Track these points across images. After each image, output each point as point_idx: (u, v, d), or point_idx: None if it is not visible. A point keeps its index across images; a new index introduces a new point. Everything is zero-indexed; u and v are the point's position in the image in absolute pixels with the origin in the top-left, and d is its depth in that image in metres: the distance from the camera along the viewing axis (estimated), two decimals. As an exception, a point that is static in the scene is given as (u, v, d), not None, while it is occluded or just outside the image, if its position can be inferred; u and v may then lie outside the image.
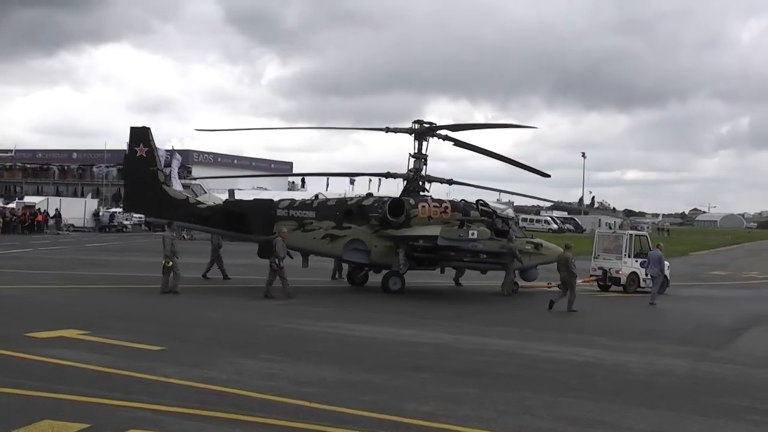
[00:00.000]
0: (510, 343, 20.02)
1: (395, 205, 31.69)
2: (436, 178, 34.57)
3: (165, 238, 28.88)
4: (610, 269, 35.48)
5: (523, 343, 20.07)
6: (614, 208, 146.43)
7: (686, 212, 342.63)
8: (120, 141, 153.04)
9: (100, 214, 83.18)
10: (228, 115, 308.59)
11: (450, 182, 35.56)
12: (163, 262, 28.20)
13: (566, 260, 28.47)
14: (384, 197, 33.23)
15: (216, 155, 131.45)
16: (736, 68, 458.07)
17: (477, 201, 34.92)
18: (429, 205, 32.34)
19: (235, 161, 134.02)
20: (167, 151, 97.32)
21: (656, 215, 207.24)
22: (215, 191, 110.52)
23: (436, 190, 35.35)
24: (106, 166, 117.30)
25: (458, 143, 34.84)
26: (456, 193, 41.50)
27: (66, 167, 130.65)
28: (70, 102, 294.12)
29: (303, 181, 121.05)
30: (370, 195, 34.01)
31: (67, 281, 30.77)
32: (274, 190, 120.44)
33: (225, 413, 11.57)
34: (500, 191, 41.18)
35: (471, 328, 22.69)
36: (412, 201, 32.14)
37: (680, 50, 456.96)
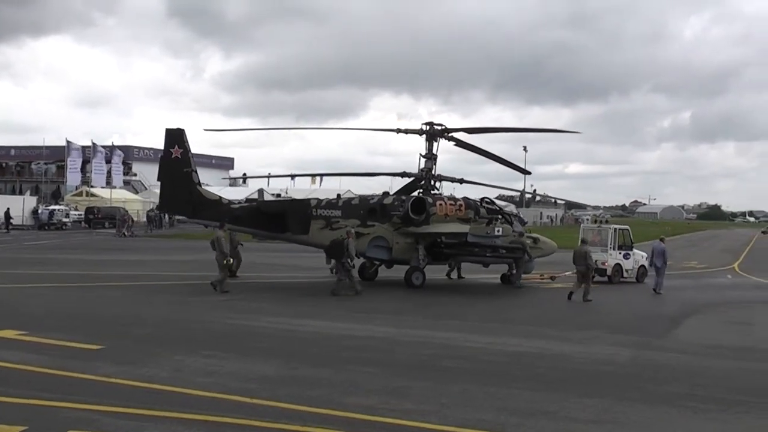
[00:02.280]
0: (455, 336, 20.06)
1: (417, 203, 32.73)
2: (447, 177, 35.71)
3: (219, 239, 28.87)
4: (596, 261, 36.03)
5: (468, 336, 20.16)
6: (555, 201, 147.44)
7: (627, 204, 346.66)
8: (60, 137, 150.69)
9: (39, 211, 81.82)
10: (170, 111, 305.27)
11: (461, 181, 36.71)
12: (224, 261, 28.64)
13: (584, 254, 30.16)
14: (403, 196, 34.10)
15: (157, 151, 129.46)
16: (678, 63, 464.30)
17: (482, 199, 36.27)
18: (446, 203, 33.53)
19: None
20: (106, 147, 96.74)
21: (597, 207, 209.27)
22: (156, 187, 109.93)
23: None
24: (45, 163, 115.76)
25: (460, 144, 35.88)
26: (447, 190, 41.74)
27: (4, 164, 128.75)
28: (8, 96, 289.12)
29: (244, 177, 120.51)
30: (387, 194, 34.77)
31: (5, 280, 30.26)
32: (216, 186, 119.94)
33: (166, 412, 11.47)
34: (504, 188, 41.61)
35: (417, 322, 22.73)
36: (430, 200, 33.13)
37: (623, 45, 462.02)
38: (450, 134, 35.14)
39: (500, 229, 32.11)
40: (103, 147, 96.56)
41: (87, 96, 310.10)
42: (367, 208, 32.92)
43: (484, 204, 35.41)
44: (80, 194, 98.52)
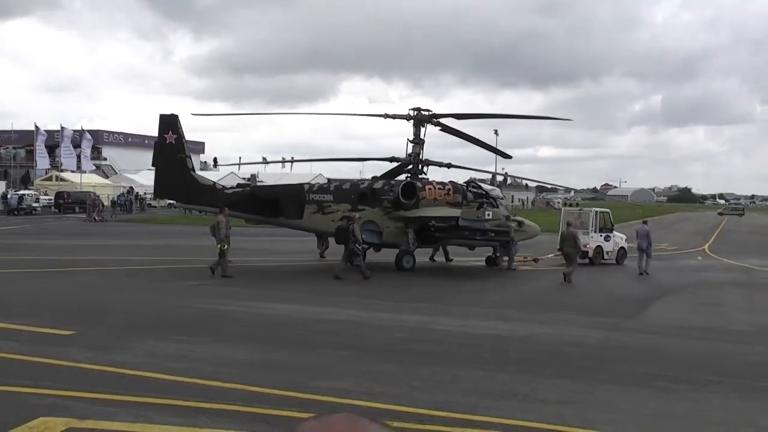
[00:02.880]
0: (425, 319, 20.13)
1: (407, 188, 33.06)
2: (435, 162, 36.11)
3: (220, 223, 28.88)
4: None
5: (438, 319, 20.21)
6: (527, 185, 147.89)
7: (598, 188, 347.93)
8: (28, 122, 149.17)
9: (9, 196, 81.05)
10: (140, 94, 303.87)
11: (449, 166, 37.07)
12: (219, 246, 28.54)
13: (572, 236, 31.25)
14: (392, 181, 34.48)
15: (127, 135, 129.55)
16: (650, 48, 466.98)
17: (469, 182, 36.76)
18: (435, 188, 34.09)
19: (146, 141, 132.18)
20: (75, 131, 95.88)
21: (568, 190, 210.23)
22: (126, 172, 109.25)
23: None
24: (14, 147, 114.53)
25: (445, 129, 36.13)
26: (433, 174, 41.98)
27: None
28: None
29: (215, 161, 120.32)
30: (375, 178, 35.22)
31: (-26, 266, 30.00)
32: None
33: (137, 397, 11.46)
34: (492, 173, 41.75)
35: (387, 306, 22.74)
36: (419, 184, 33.52)
37: (595, 30, 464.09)
38: (438, 119, 35.43)
39: (490, 212, 33.23)
40: (72, 131, 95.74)
41: (55, 80, 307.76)
42: (357, 193, 33.26)
43: (470, 188, 35.89)
44: (50, 179, 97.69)
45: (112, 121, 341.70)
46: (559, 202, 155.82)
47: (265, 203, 32.20)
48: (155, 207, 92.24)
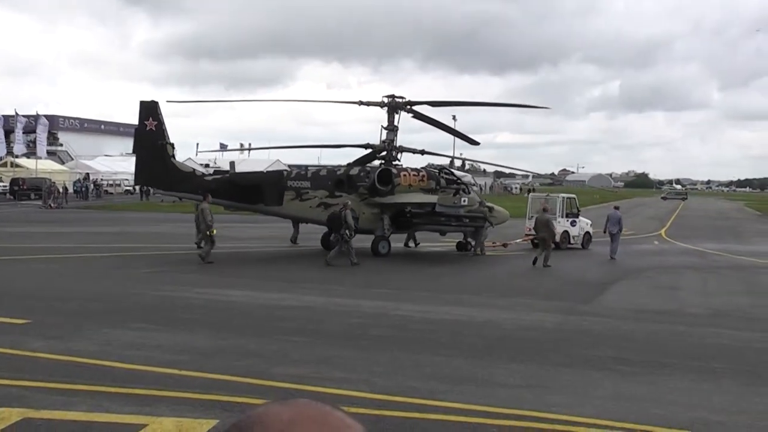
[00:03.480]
0: (383, 305, 20.13)
1: (384, 174, 33.49)
2: (409, 148, 36.65)
3: (204, 210, 29.08)
4: None
5: (396, 304, 20.20)
6: (484, 170, 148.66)
7: (555, 173, 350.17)
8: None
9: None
10: (97, 80, 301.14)
11: (422, 152, 38.00)
12: (208, 232, 28.82)
13: (546, 221, 32.05)
14: (368, 167, 34.96)
15: (83, 120, 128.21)
16: (609, 34, 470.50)
17: (441, 168, 37.74)
18: (409, 174, 34.37)
19: (102, 126, 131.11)
20: (27, 116, 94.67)
21: (526, 176, 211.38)
22: (82, 158, 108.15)
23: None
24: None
25: (417, 116, 36.55)
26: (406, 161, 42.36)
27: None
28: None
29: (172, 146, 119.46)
30: (350, 165, 35.43)
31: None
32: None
33: (93, 386, 11.34)
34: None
35: (344, 291, 22.73)
36: (394, 170, 33.90)
37: (554, 16, 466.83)
38: (411, 107, 35.86)
39: (466, 198, 33.87)
40: (27, 116, 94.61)
41: (10, 64, 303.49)
42: (334, 180, 33.65)
43: (443, 174, 36.42)
44: (4, 165, 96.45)
45: (67, 106, 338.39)
46: (516, 188, 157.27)
47: (245, 190, 32.40)
48: (112, 194, 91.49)
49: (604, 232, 36.60)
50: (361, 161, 36.00)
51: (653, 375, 13.22)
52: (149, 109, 31.60)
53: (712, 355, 15.04)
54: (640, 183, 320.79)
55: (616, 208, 38.27)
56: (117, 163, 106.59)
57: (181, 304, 19.62)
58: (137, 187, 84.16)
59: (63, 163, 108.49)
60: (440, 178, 35.61)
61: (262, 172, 37.72)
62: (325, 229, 34.12)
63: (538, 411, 10.78)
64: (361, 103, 35.96)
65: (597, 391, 12.06)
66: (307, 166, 38.71)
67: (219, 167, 64.47)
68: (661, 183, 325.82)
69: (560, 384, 12.40)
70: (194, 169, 33.67)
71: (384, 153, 35.44)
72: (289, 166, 73.69)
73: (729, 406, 11.53)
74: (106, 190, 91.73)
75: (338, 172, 34.41)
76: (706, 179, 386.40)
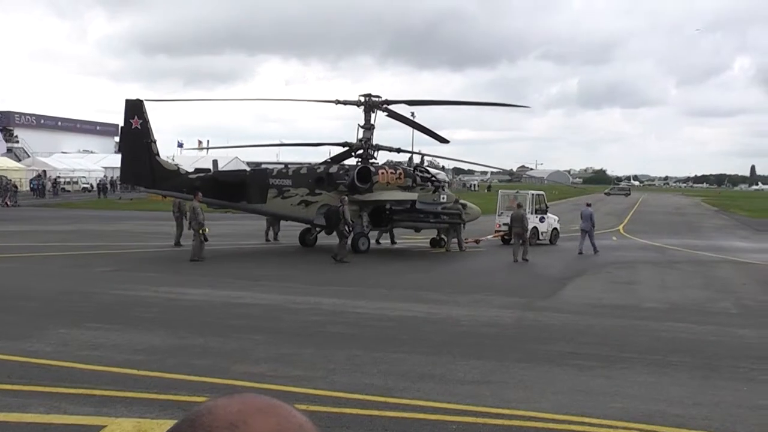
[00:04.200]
0: (342, 302, 20.12)
1: (363, 172, 33.87)
2: (385, 146, 37.19)
3: (195, 208, 29.35)
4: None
5: (355, 302, 20.22)
6: (443, 167, 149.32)
7: (514, 170, 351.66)
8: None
9: None
10: (54, 75, 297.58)
11: (398, 150, 38.58)
12: (200, 230, 29.01)
13: (521, 217, 32.76)
14: (347, 165, 35.63)
15: (39, 117, 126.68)
16: (567, 31, 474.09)
17: (416, 166, 37.92)
18: (387, 172, 35.05)
19: (60, 123, 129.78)
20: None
21: (485, 173, 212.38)
22: (39, 155, 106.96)
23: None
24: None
25: (391, 114, 37.20)
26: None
27: None
28: None
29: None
30: (328, 163, 36.19)
31: None
32: (101, 153, 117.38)
33: (51, 387, 11.23)
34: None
35: (303, 288, 22.63)
36: (373, 169, 34.34)
37: (512, 13, 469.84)
38: (386, 106, 36.33)
39: (444, 196, 35.69)
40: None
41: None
42: (314, 177, 33.97)
43: (418, 172, 36.89)
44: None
45: (23, 102, 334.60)
46: (475, 184, 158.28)
47: (229, 188, 32.64)
48: (69, 191, 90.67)
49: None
50: (337, 159, 36.67)
51: (611, 369, 13.34)
52: (135, 108, 31.49)
53: (670, 349, 15.20)
54: (598, 179, 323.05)
55: (588, 205, 38.83)
56: (74, 160, 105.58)
57: (139, 303, 19.44)
58: (94, 185, 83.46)
59: (19, 160, 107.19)
60: (416, 176, 36.07)
61: (245, 171, 38.33)
62: (303, 226, 34.98)
63: (496, 407, 10.83)
64: (338, 102, 36.15)
65: (555, 386, 12.13)
66: (287, 164, 38.92)
67: (177, 164, 64.02)
68: (618, 179, 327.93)
69: (518, 379, 12.47)
70: (178, 167, 33.67)
71: (361, 151, 35.87)
72: (248, 164, 73.47)
73: (686, 398, 11.66)
74: (63, 188, 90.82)
75: (318, 170, 34.72)
76: (664, 175, 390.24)
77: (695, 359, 14.41)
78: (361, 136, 35.94)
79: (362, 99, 35.68)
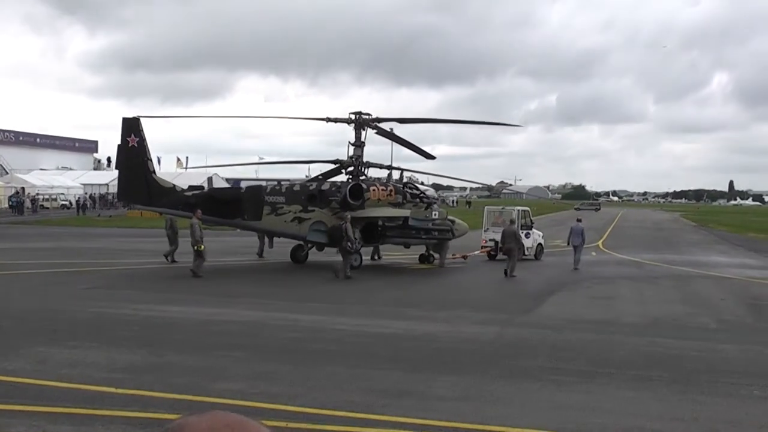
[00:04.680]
0: (321, 319, 20.08)
1: (355, 189, 33.91)
2: (376, 164, 37.59)
3: (193, 225, 29.47)
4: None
5: (335, 319, 20.19)
6: (422, 182, 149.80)
7: (493, 185, 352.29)
8: None
9: None
10: (32, 91, 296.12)
11: (389, 168, 39.39)
12: (196, 247, 29.19)
13: (513, 233, 33.43)
14: (338, 182, 35.78)
15: (18, 133, 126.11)
16: (545, 48, 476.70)
17: (405, 183, 38.55)
18: (378, 189, 35.28)
19: (38, 140, 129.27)
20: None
21: (464, 189, 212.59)
22: (17, 171, 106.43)
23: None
24: None
25: (381, 132, 37.41)
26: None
27: None
28: None
29: (109, 160, 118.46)
30: (320, 180, 36.64)
31: None
32: (80, 170, 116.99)
33: (31, 406, 11.18)
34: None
35: (282, 305, 22.54)
36: (364, 185, 34.46)
37: (490, 29, 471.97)
38: (377, 123, 36.51)
39: (437, 213, 36.21)
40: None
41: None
42: (307, 194, 34.12)
43: (407, 188, 37.30)
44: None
45: (2, 118, 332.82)
46: (454, 200, 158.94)
47: (224, 205, 32.76)
48: (48, 208, 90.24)
49: (567, 244, 37.72)
50: (327, 175, 37.07)
51: (590, 384, 13.39)
52: (131, 126, 31.58)
53: (649, 364, 15.26)
54: (577, 195, 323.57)
55: (579, 220, 39.27)
56: (53, 177, 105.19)
57: (118, 320, 19.33)
58: (73, 202, 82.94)
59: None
60: (406, 192, 36.37)
61: (240, 188, 38.49)
62: (295, 242, 35.15)
63: (476, 423, 10.85)
64: (328, 119, 36.16)
65: (534, 402, 12.17)
66: (279, 181, 38.92)
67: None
68: (597, 195, 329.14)
69: (498, 396, 12.50)
70: (174, 185, 33.65)
71: (351, 168, 36.02)
72: (227, 180, 73.31)
73: (665, 414, 11.71)
74: (42, 205, 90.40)
75: (311, 188, 34.92)
76: (643, 191, 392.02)
77: (674, 374, 14.46)
78: (351, 153, 36.08)
79: (353, 117, 35.84)
